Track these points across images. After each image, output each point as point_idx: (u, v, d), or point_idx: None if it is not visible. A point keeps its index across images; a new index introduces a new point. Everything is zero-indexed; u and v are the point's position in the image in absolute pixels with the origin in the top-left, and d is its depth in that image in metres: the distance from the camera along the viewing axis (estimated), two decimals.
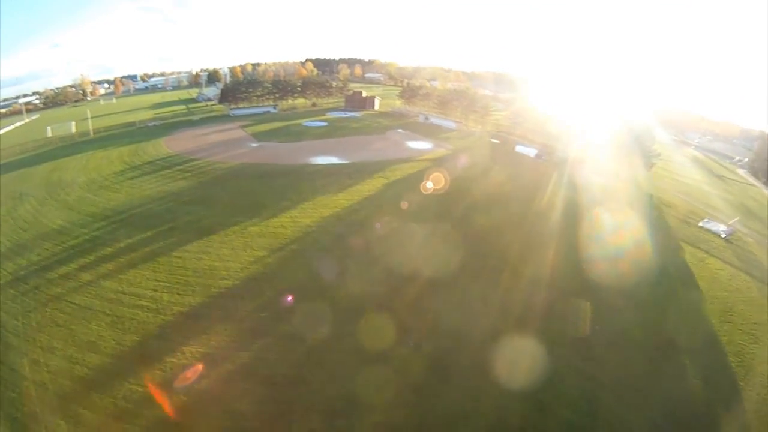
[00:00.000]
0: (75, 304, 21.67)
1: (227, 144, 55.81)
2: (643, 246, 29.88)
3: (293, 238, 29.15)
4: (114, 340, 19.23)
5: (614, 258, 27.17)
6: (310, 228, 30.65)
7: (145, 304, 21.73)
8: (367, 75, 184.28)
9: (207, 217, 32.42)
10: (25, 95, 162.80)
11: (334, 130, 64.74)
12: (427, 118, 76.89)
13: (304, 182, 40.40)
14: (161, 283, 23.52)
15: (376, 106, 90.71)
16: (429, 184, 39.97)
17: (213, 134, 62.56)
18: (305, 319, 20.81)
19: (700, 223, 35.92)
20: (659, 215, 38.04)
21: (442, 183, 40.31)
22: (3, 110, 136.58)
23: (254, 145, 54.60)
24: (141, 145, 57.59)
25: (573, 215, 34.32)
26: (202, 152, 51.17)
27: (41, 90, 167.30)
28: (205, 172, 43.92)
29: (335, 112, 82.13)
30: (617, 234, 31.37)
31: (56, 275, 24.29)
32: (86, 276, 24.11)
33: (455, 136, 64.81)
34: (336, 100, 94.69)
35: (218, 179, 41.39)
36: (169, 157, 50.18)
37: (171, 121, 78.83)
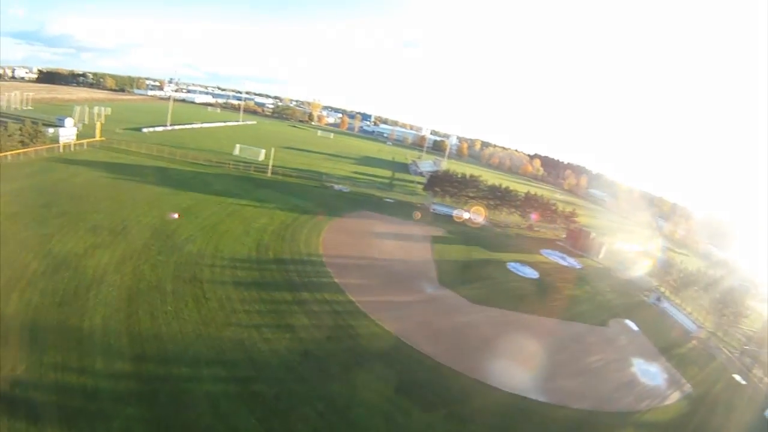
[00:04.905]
0: None
1: (398, 269, 37.42)
2: None
3: None
4: None
5: None
6: None
7: None
8: (590, 190, 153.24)
9: None
10: (267, 96, 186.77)
11: (542, 295, 39.82)
12: (659, 300, 48.62)
13: None
14: None
15: (601, 255, 64.19)
16: None
17: (391, 239, 45.61)
18: None
19: None
20: None
21: None
22: (236, 102, 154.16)
23: (430, 290, 34.59)
24: (300, 219, 44.96)
25: None
26: (354, 273, 33.90)
27: (282, 97, 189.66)
28: (333, 329, 25.19)
29: (552, 253, 57.67)
30: None
31: None
32: None
33: (694, 355, 34.88)
34: (555, 227, 71.18)
35: (334, 366, 21.38)
36: (312, 262, 34.44)
37: (360, 190, 68.10)
